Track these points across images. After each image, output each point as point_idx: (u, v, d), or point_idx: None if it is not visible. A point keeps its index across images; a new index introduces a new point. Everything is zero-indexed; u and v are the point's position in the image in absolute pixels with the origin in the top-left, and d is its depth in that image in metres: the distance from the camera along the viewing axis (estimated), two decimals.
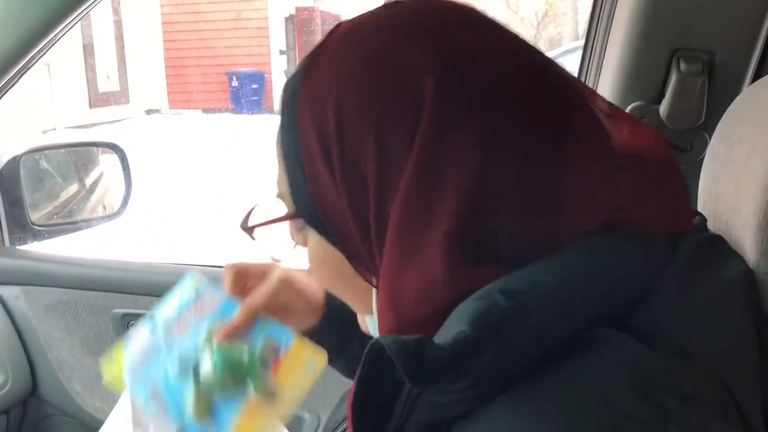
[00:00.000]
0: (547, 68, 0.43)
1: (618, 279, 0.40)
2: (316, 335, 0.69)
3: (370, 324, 0.51)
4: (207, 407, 0.57)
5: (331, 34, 0.45)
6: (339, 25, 0.46)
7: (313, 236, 0.48)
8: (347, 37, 0.44)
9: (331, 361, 0.72)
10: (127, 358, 0.61)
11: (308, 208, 0.45)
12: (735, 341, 0.40)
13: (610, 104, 0.45)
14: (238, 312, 0.61)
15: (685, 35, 0.94)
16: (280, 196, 0.49)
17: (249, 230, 0.53)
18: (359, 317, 0.55)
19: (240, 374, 0.58)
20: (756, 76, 0.94)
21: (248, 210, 0.53)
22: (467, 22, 0.43)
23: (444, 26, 0.43)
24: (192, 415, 0.57)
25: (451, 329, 0.36)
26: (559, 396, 0.35)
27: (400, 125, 0.40)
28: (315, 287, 0.70)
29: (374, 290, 0.46)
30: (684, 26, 0.93)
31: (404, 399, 0.37)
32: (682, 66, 0.93)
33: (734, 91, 0.90)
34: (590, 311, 0.38)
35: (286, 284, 0.66)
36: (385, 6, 0.45)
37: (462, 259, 0.39)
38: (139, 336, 0.62)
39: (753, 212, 0.48)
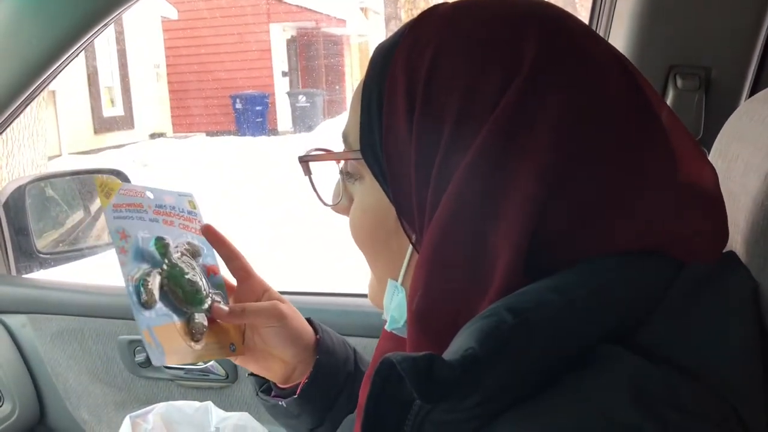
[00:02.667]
0: (635, 76, 0.44)
1: (623, 299, 0.40)
2: (306, 388, 0.68)
3: (388, 290, 0.51)
4: (156, 296, 0.59)
5: (438, 5, 0.47)
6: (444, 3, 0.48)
7: (364, 184, 0.49)
8: (459, 4, 0.46)
9: (318, 423, 0.71)
10: (118, 195, 0.61)
11: (374, 148, 0.46)
12: (739, 358, 0.40)
13: (672, 116, 0.45)
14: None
15: (680, 52, 0.94)
16: (345, 141, 0.50)
17: (305, 162, 0.54)
18: (371, 286, 0.54)
19: (190, 296, 0.61)
20: (752, 91, 0.94)
21: (312, 148, 0.55)
22: (570, 17, 0.45)
23: (551, 14, 0.44)
24: (144, 289, 0.58)
25: (459, 346, 0.37)
26: (561, 412, 0.35)
27: (491, 84, 0.41)
28: (307, 331, 0.69)
29: (408, 252, 0.47)
30: (679, 43, 0.94)
31: (413, 418, 0.37)
32: (679, 82, 0.94)
33: (731, 105, 0.91)
34: (595, 329, 0.39)
35: (278, 311, 0.66)
36: None
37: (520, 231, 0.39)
38: (134, 192, 0.63)
39: (750, 228, 0.48)
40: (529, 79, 0.40)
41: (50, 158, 6.79)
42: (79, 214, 1.61)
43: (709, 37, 0.94)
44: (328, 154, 0.52)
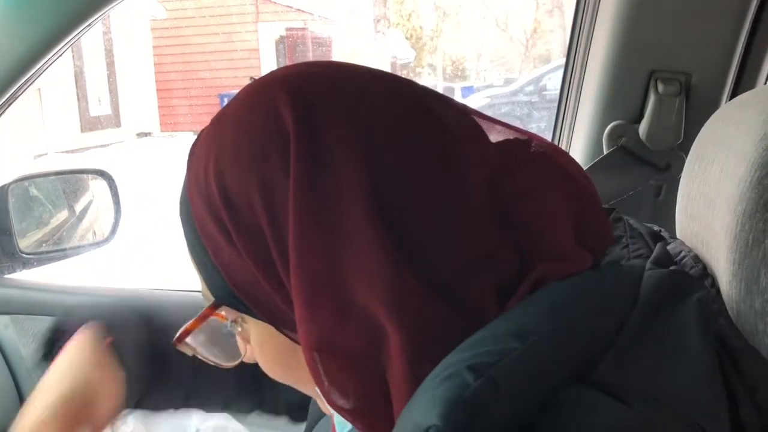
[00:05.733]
0: (423, 98, 0.44)
1: (583, 337, 0.39)
2: None
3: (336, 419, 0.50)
4: None
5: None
6: None
7: (246, 320, 0.48)
8: (218, 115, 0.47)
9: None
10: None
11: (222, 288, 0.45)
12: (703, 381, 0.40)
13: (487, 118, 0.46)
14: None
15: (661, 57, 0.95)
16: (204, 296, 0.49)
17: (181, 342, 0.52)
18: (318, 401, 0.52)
19: None
20: (732, 96, 0.95)
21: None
22: (324, 70, 0.45)
23: (300, 76, 0.44)
24: None
25: (418, 423, 0.34)
26: None
27: (275, 163, 0.41)
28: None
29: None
30: (660, 48, 0.95)
31: None
32: (660, 87, 0.95)
33: (711, 111, 0.91)
34: (560, 373, 0.38)
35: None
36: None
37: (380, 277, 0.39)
38: None
39: (724, 233, 0.48)
40: (300, 136, 0.40)
41: (36, 157, 6.72)
42: (63, 214, 1.60)
43: (690, 42, 0.95)
44: (192, 323, 0.51)
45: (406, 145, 0.41)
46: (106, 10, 1.01)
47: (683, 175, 0.62)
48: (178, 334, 0.52)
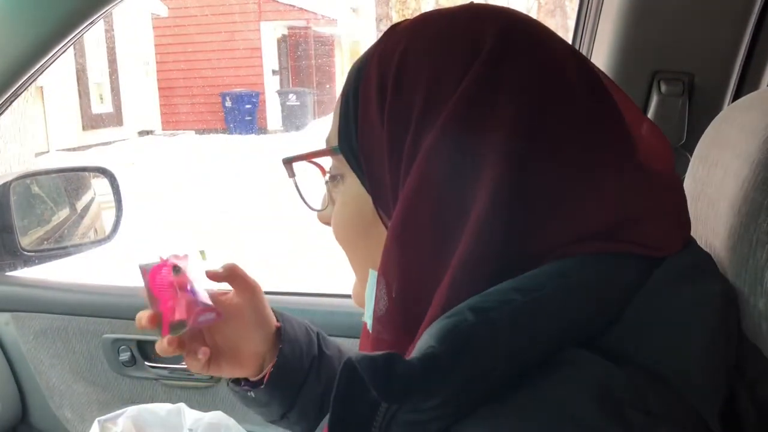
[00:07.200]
0: (593, 71, 0.46)
1: (590, 302, 0.40)
2: (272, 377, 0.71)
3: (369, 281, 0.51)
4: None
5: (406, 19, 0.51)
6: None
7: (346, 183, 0.51)
8: (423, 14, 0.50)
9: (288, 409, 0.73)
10: None
11: (350, 141, 0.49)
12: (703, 363, 0.40)
13: (626, 97, 0.47)
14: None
15: (664, 57, 0.95)
16: (327, 144, 0.52)
17: (289, 164, 0.55)
18: (354, 287, 0.55)
19: None
20: (735, 97, 0.95)
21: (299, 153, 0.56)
22: (526, 15, 0.48)
23: (507, 11, 0.48)
24: None
25: (420, 345, 0.37)
26: (527, 414, 0.36)
27: (453, 70, 0.44)
28: (272, 317, 0.72)
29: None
30: (663, 49, 0.95)
31: (380, 419, 0.37)
32: (663, 87, 0.95)
33: (714, 111, 0.91)
34: (561, 329, 0.39)
35: (254, 295, 0.70)
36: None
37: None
38: None
39: (728, 234, 0.49)
40: (487, 62, 0.43)
41: (37, 155, 6.73)
42: (64, 212, 1.60)
43: (693, 43, 0.95)
44: (309, 153, 0.54)
45: (565, 107, 0.43)
46: (108, 8, 1.01)
47: (687, 176, 0.61)
48: (290, 157, 0.55)
